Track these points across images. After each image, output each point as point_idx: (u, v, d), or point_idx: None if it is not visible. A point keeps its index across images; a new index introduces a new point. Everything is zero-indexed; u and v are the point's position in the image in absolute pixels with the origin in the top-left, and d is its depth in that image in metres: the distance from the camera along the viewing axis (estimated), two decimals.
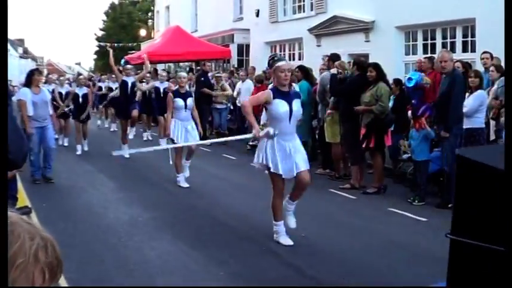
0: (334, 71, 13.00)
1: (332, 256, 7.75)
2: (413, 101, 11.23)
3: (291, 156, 8.03)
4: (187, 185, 12.11)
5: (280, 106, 7.96)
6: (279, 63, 8.08)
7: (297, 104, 8.14)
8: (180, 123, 12.30)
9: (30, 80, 12.65)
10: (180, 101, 12.27)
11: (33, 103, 12.22)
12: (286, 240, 8.15)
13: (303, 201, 9.95)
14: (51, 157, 12.70)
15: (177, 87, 12.94)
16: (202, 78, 20.61)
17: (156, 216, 9.87)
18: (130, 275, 6.97)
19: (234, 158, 15.89)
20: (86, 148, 17.58)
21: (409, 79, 11.16)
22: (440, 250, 8.01)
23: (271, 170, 8.01)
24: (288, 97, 8.09)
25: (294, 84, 12.82)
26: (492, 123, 11.27)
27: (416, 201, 10.59)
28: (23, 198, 10.07)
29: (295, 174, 8.11)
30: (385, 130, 11.56)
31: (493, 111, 10.91)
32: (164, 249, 8.04)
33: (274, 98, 7.97)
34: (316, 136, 14.91)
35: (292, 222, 8.47)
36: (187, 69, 29.81)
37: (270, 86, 8.76)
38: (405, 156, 12.04)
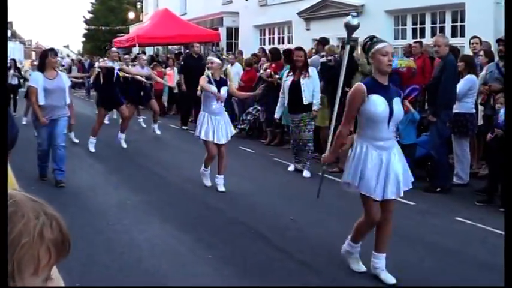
0: (323, 59, 13.02)
1: (320, 240, 7.77)
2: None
3: (388, 172, 6.20)
4: (209, 184, 10.66)
5: (378, 104, 6.13)
6: (380, 45, 6.22)
7: (398, 103, 6.30)
8: (209, 117, 10.38)
9: (44, 63, 10.78)
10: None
11: (45, 90, 10.47)
12: (359, 266, 6.68)
13: (291, 185, 9.95)
14: (62, 158, 10.65)
15: (209, 73, 10.67)
16: (192, 61, 18.85)
17: (145, 199, 9.87)
18: (119, 258, 6.98)
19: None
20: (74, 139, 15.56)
21: None
22: (428, 233, 8.11)
23: (363, 192, 6.26)
24: (388, 93, 6.24)
25: (310, 68, 12.10)
26: (480, 108, 11.30)
27: None
28: (11, 181, 10.02)
29: (392, 197, 6.37)
30: None
31: (482, 96, 10.94)
32: (153, 232, 8.05)
33: (369, 93, 6.15)
34: None
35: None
36: (176, 52, 29.70)
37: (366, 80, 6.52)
38: None
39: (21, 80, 24.94)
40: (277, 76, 15.04)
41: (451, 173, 10.80)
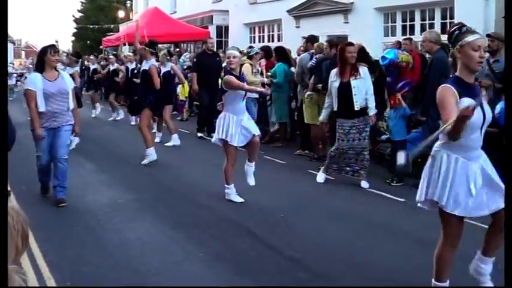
0: (310, 64, 12.96)
1: (311, 236, 7.79)
2: (388, 79, 11.18)
3: (483, 186, 5.22)
4: (241, 200, 9.50)
5: None
6: (471, 37, 5.14)
7: (485, 103, 5.29)
8: (234, 118, 9.37)
9: (42, 62, 9.19)
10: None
11: (44, 95, 8.95)
12: None
13: (281, 182, 9.93)
14: (64, 172, 9.29)
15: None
16: (206, 58, 16.87)
17: (136, 198, 9.87)
18: (110, 257, 6.98)
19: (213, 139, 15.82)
20: (74, 144, 13.99)
21: (383, 58, 11.15)
22: (419, 230, 8.13)
23: (448, 210, 5.34)
24: (476, 94, 5.18)
25: (361, 68, 10.56)
26: None
27: (394, 181, 10.63)
28: None
29: (486, 213, 5.39)
30: None
31: None
32: (144, 230, 8.05)
33: (460, 96, 5.09)
34: (295, 117, 14.94)
35: None
36: (166, 51, 29.64)
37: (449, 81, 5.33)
38: (384, 137, 12.07)
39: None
40: (269, 73, 15.01)
41: None
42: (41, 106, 8.93)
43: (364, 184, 10.65)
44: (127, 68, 19.78)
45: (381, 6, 19.63)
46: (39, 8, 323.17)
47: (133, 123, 18.53)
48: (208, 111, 16.23)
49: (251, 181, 9.78)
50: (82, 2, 65.58)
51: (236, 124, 9.33)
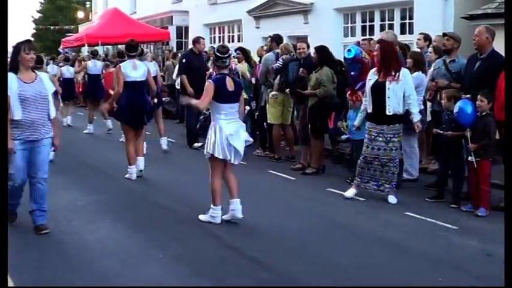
0: (277, 65, 12.90)
1: (272, 236, 7.81)
2: (352, 73, 11.06)
3: None
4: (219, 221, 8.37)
5: None
6: None
7: None
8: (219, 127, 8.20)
9: (17, 62, 7.63)
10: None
11: (21, 99, 7.46)
12: None
13: (242, 183, 9.93)
14: (43, 195, 8.01)
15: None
16: (196, 60, 15.60)
17: (95, 199, 9.78)
18: (70, 260, 6.90)
19: (174, 140, 15.78)
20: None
21: (349, 51, 11.12)
22: (379, 228, 8.20)
23: None
24: None
25: (402, 70, 9.62)
26: (428, 104, 11.43)
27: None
28: None
29: None
30: (329, 114, 11.55)
31: (429, 92, 11.04)
32: (103, 232, 7.99)
33: None
34: (255, 117, 14.84)
35: None
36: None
37: None
38: (344, 136, 12.09)
39: None
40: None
41: (401, 169, 10.89)
42: (16, 113, 7.44)
43: (392, 199, 9.63)
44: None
45: (340, 7, 19.71)
46: None
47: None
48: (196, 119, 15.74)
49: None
50: (41, 3, 64.93)
51: (214, 132, 8.17)
